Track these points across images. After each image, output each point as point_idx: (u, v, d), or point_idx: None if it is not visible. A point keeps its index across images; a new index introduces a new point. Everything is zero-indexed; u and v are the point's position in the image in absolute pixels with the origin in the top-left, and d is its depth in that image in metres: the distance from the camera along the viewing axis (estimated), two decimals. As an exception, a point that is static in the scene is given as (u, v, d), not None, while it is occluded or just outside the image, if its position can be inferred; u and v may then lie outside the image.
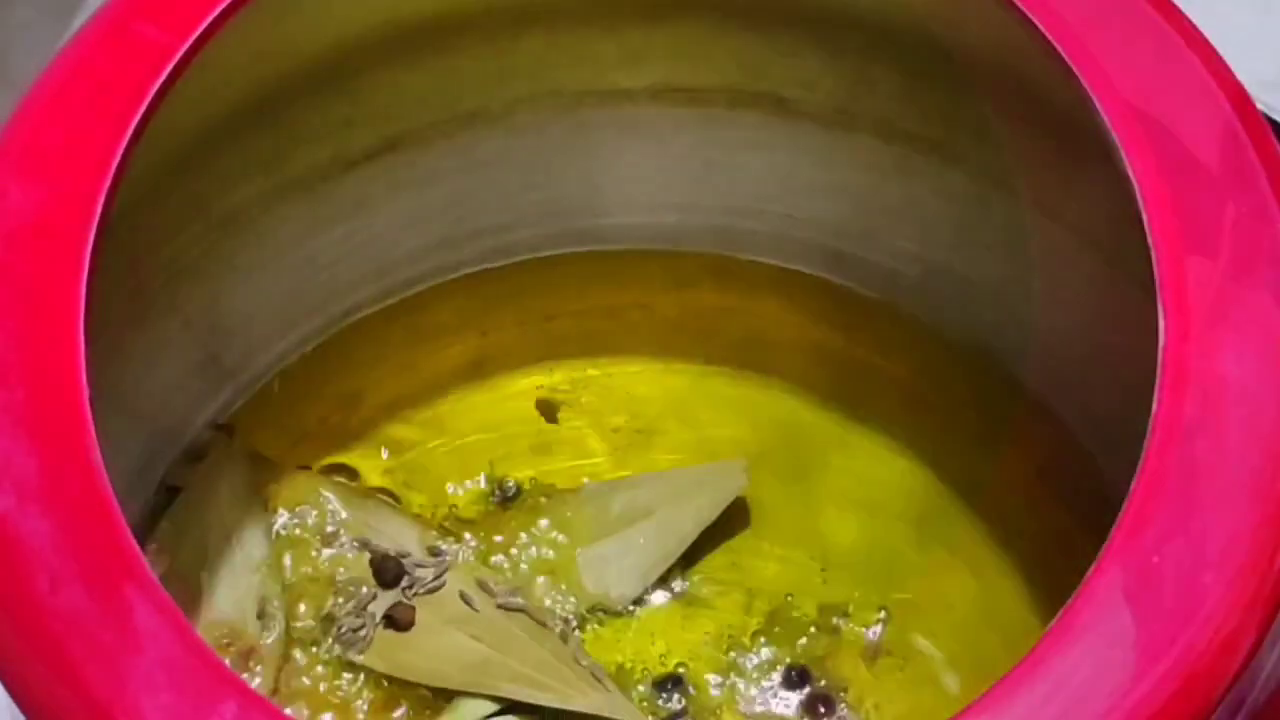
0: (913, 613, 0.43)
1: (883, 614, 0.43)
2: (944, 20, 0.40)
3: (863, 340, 0.47)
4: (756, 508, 0.45)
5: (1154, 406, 0.31)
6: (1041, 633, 0.29)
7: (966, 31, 0.40)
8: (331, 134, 0.44)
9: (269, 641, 0.42)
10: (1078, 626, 0.29)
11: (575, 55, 0.45)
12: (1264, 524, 0.30)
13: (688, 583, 0.44)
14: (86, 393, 0.32)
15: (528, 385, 0.48)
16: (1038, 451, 0.45)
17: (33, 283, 0.33)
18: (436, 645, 0.42)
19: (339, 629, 0.42)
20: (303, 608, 0.43)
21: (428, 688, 0.42)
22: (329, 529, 0.44)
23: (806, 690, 0.43)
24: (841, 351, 0.47)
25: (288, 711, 0.41)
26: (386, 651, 0.42)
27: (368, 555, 0.43)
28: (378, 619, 0.42)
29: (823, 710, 0.42)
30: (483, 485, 0.46)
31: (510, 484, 0.46)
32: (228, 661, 0.41)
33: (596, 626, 0.44)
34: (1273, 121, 0.35)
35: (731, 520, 0.45)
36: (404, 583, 0.43)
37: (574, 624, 0.43)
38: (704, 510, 0.44)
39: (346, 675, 0.42)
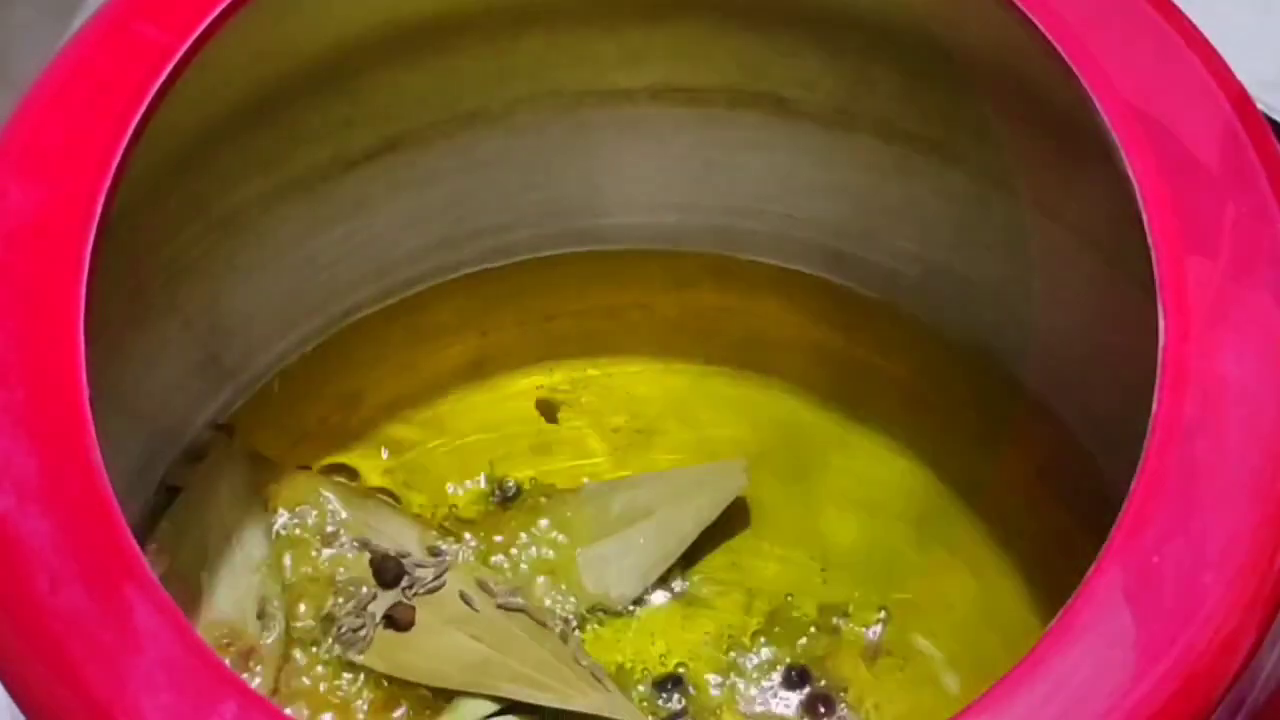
0: (913, 613, 0.43)
1: (883, 614, 0.43)
2: (944, 20, 0.40)
3: (863, 340, 0.47)
4: (756, 508, 0.45)
5: (1154, 406, 0.31)
6: (1041, 633, 0.29)
7: (966, 31, 0.40)
8: (331, 134, 0.44)
9: (269, 641, 0.42)
10: (1078, 626, 0.29)
11: (575, 55, 0.45)
12: (1264, 524, 0.30)
13: (688, 583, 0.44)
14: (86, 393, 0.32)
15: (528, 385, 0.48)
16: (1038, 451, 0.45)
17: (33, 283, 0.33)
18: (436, 645, 0.42)
19: (339, 629, 0.42)
20: (303, 608, 0.43)
21: (428, 688, 0.42)
22: (329, 529, 0.44)
23: (806, 690, 0.43)
24: (841, 351, 0.47)
25: (288, 711, 0.41)
26: (386, 651, 0.42)
27: (368, 555, 0.43)
28: (378, 619, 0.42)
29: (822, 710, 0.42)
30: (483, 485, 0.46)
31: (510, 484, 0.46)
32: (228, 661, 0.41)
33: (596, 626, 0.44)
34: (1273, 121, 0.35)
35: (731, 520, 0.45)
36: (404, 583, 0.43)
37: (574, 624, 0.43)
38: (704, 510, 0.44)
39: (346, 675, 0.42)
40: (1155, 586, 0.30)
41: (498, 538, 0.44)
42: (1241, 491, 0.30)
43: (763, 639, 0.43)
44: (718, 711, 0.42)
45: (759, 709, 0.42)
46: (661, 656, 0.43)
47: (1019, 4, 0.35)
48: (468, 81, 0.45)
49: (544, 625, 0.43)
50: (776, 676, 0.43)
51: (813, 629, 0.43)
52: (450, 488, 0.46)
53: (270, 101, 0.42)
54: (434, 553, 0.43)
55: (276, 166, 0.44)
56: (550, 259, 0.49)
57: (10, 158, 0.34)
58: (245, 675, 0.41)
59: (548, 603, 0.43)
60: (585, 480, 0.46)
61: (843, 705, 0.42)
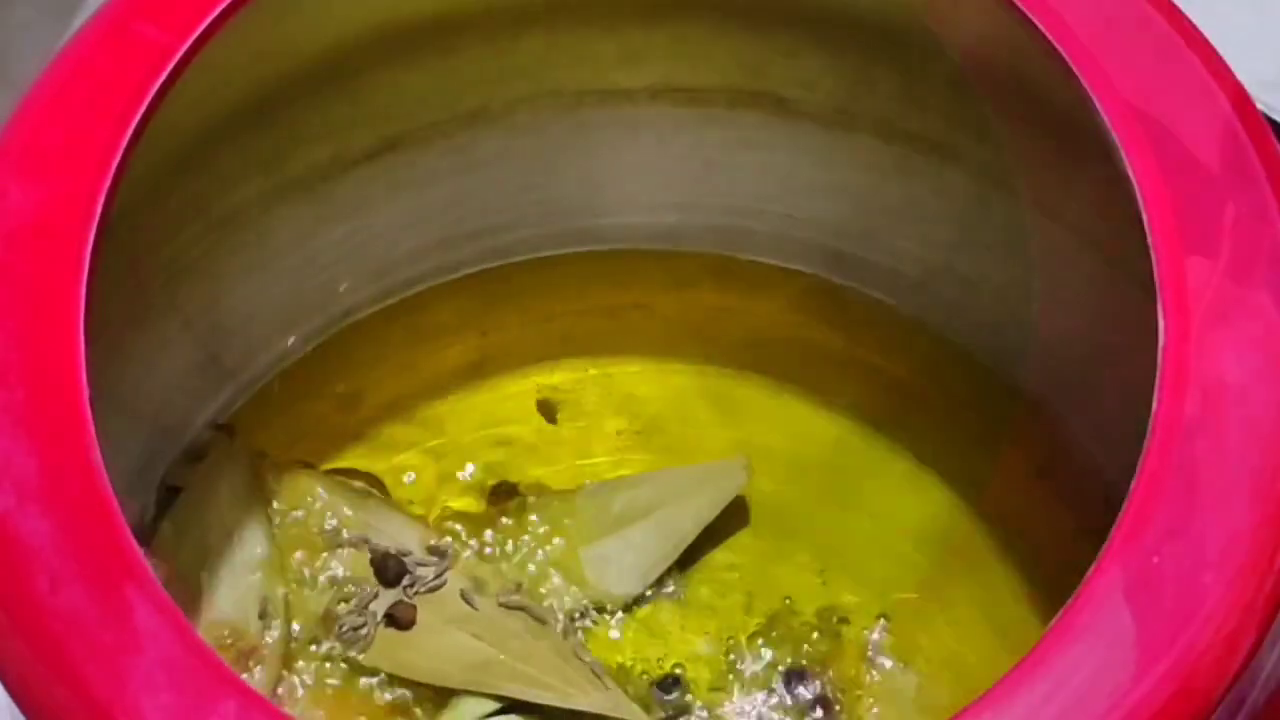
0: (913, 613, 0.43)
1: (882, 614, 0.43)
2: (944, 20, 0.40)
3: (863, 340, 0.47)
4: (756, 507, 0.45)
5: (1154, 406, 0.31)
6: (1041, 633, 0.29)
7: (966, 31, 0.40)
8: (331, 134, 0.44)
9: (270, 641, 0.42)
10: (1078, 626, 0.29)
11: (575, 55, 0.45)
12: (1264, 524, 0.30)
13: (687, 582, 0.44)
14: (86, 393, 0.32)
15: (528, 385, 0.48)
16: (1038, 451, 0.45)
17: (33, 283, 0.33)
18: (437, 644, 0.42)
19: (340, 628, 0.42)
20: (303, 606, 0.43)
21: (429, 686, 0.42)
22: (330, 528, 0.44)
23: (806, 691, 0.43)
24: (842, 352, 0.47)
25: (288, 711, 0.41)
26: (388, 650, 0.42)
27: (369, 554, 0.43)
28: (379, 618, 0.42)
29: (822, 711, 0.42)
30: (483, 485, 0.46)
31: (510, 484, 0.46)
32: (228, 661, 0.41)
33: (596, 626, 0.43)
34: (1273, 121, 0.35)
35: (731, 519, 0.45)
36: (405, 581, 0.43)
37: (574, 623, 0.43)
38: (704, 509, 0.44)
39: (347, 674, 0.42)
40: (1155, 586, 0.30)
41: (498, 537, 0.44)
42: (1241, 491, 0.30)
43: (762, 640, 0.43)
44: (717, 712, 0.42)
45: (758, 710, 0.42)
46: (660, 657, 0.43)
47: (1019, 4, 0.35)
48: (468, 81, 0.45)
49: (544, 624, 0.43)
50: (776, 677, 0.43)
51: (812, 629, 0.43)
52: (450, 487, 0.46)
53: (270, 101, 0.42)
54: (434, 552, 0.43)
55: (276, 166, 0.44)
56: (550, 259, 0.49)
57: (10, 158, 0.34)
58: (246, 675, 0.41)
59: (548, 602, 0.43)
60: (585, 480, 0.46)
61: (842, 706, 0.42)
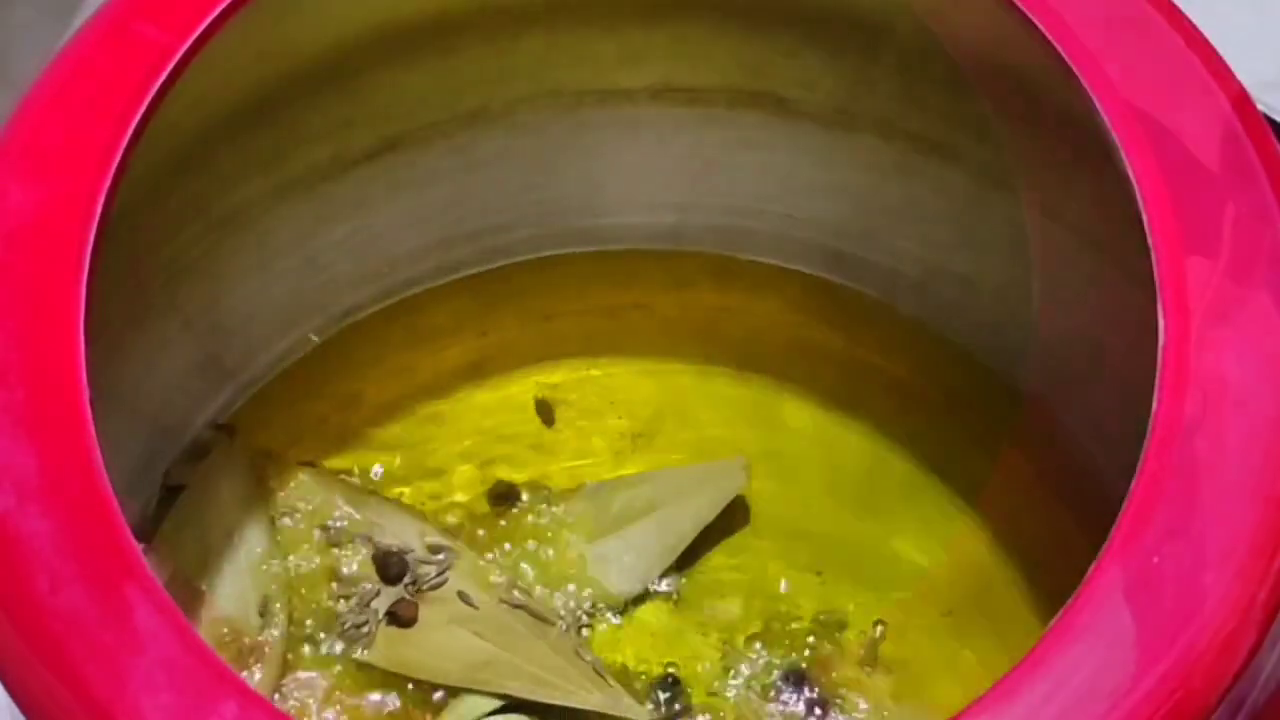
0: (913, 613, 0.43)
1: (881, 615, 0.43)
2: (944, 20, 0.40)
3: (863, 340, 0.47)
4: (756, 507, 0.45)
5: (1154, 406, 0.31)
6: (1041, 633, 0.29)
7: (966, 31, 0.40)
8: (331, 134, 0.44)
9: (271, 639, 0.42)
10: (1078, 626, 0.29)
11: (575, 55, 0.45)
12: (1264, 524, 0.30)
13: (686, 583, 0.44)
14: (86, 393, 0.32)
15: (528, 385, 0.48)
16: (1038, 451, 0.45)
17: (33, 283, 0.33)
18: (439, 642, 0.42)
19: (342, 625, 0.42)
20: (304, 605, 0.43)
21: (430, 684, 0.42)
22: (331, 526, 0.44)
23: (805, 691, 0.43)
24: (841, 351, 0.47)
25: (290, 709, 0.41)
26: (389, 648, 0.42)
27: (371, 552, 0.43)
28: (380, 615, 0.42)
29: (821, 711, 0.42)
30: (483, 485, 0.46)
31: (510, 484, 0.46)
32: (229, 659, 0.41)
33: (596, 626, 0.44)
34: (1273, 121, 0.35)
35: (731, 519, 0.45)
36: (407, 579, 0.43)
37: (574, 622, 0.43)
38: (703, 509, 0.44)
39: (349, 671, 0.42)
40: (1155, 586, 0.30)
41: (498, 536, 0.44)
42: (1241, 491, 0.30)
43: (761, 640, 0.43)
44: (716, 712, 0.42)
45: (757, 710, 0.42)
46: (660, 657, 0.43)
47: (1019, 4, 0.35)
48: (468, 81, 0.45)
49: (545, 622, 0.43)
50: (775, 677, 0.43)
51: (811, 629, 0.43)
52: (451, 487, 0.46)
53: (270, 101, 0.42)
54: (436, 550, 0.43)
55: (276, 166, 0.44)
56: (550, 259, 0.49)
57: (10, 158, 0.34)
58: (247, 673, 0.41)
59: (548, 601, 0.43)
60: (585, 480, 0.46)
61: (841, 706, 0.42)
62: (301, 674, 0.42)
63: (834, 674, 0.43)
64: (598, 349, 0.48)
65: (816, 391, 0.47)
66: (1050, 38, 0.35)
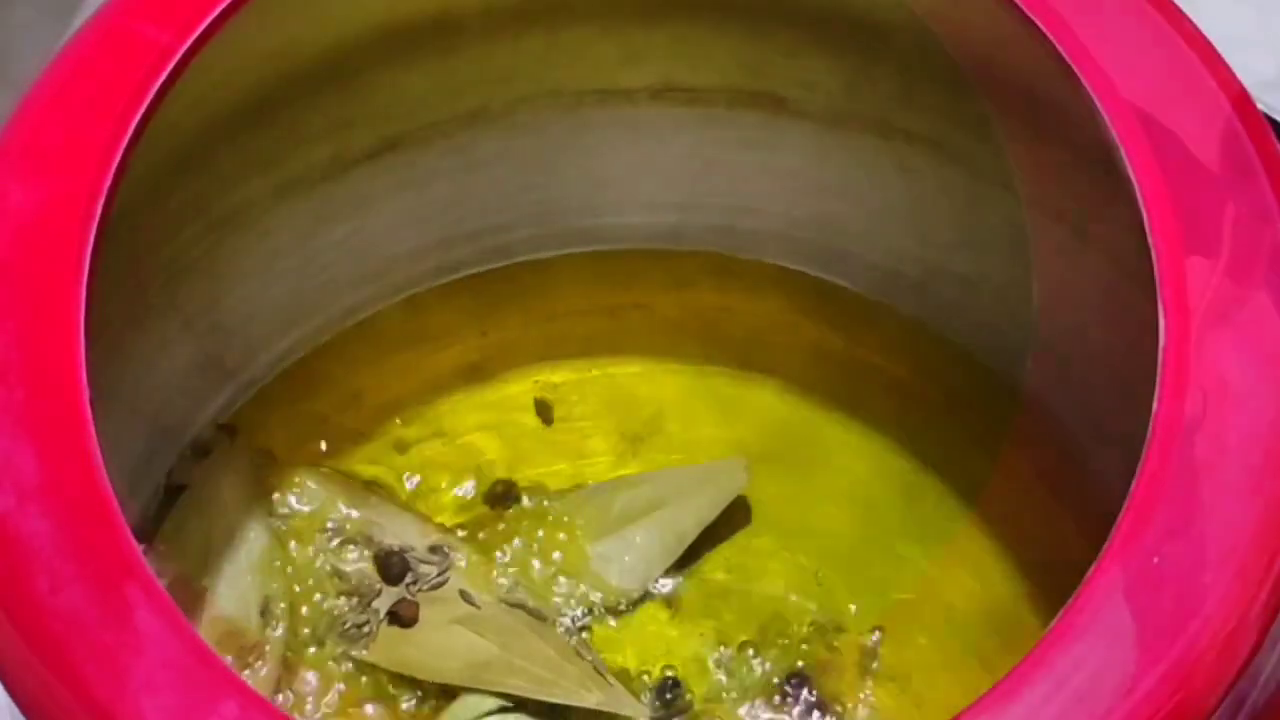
0: (913, 613, 0.43)
1: (882, 615, 0.43)
2: (944, 20, 0.40)
3: (863, 340, 0.47)
4: (757, 507, 0.45)
5: (1154, 406, 0.31)
6: (1041, 633, 0.29)
7: (966, 31, 0.40)
8: (331, 134, 0.44)
9: (272, 638, 0.42)
10: (1078, 626, 0.29)
11: (575, 55, 0.45)
12: (1264, 524, 0.30)
13: (687, 583, 0.44)
14: (86, 393, 0.32)
15: (528, 385, 0.48)
16: (1038, 451, 0.45)
17: (33, 283, 0.33)
18: (440, 641, 0.42)
19: (343, 625, 0.42)
20: (306, 604, 0.43)
21: (431, 683, 0.42)
22: (332, 525, 0.44)
23: (805, 692, 0.43)
24: (841, 351, 0.47)
25: (290, 709, 0.41)
26: (390, 647, 0.42)
27: (371, 551, 0.43)
28: (381, 615, 0.42)
29: (820, 713, 0.42)
30: (483, 485, 0.46)
31: (510, 484, 0.46)
32: (230, 659, 0.41)
33: (596, 626, 0.43)
34: (1273, 121, 0.35)
35: (732, 519, 0.45)
36: (408, 579, 0.43)
37: (575, 621, 0.43)
38: (704, 509, 0.44)
39: (350, 671, 0.42)
40: (1155, 586, 0.30)
41: (499, 536, 0.44)
42: (1241, 491, 0.30)
43: (761, 642, 0.43)
44: (715, 713, 0.42)
45: (757, 711, 0.42)
46: (660, 658, 0.43)
47: (1019, 4, 0.35)
48: (468, 81, 0.45)
49: (545, 622, 0.43)
50: (775, 678, 0.43)
51: (811, 632, 0.43)
52: (451, 487, 0.46)
53: (270, 101, 0.42)
54: (436, 550, 0.43)
55: (276, 166, 0.44)
56: (550, 259, 0.49)
57: (10, 158, 0.34)
58: (248, 672, 0.41)
59: (548, 601, 0.43)
60: (585, 480, 0.46)
61: (841, 706, 0.42)
62: (302, 674, 0.42)
63: (834, 675, 0.43)
64: (598, 349, 0.48)
65: (816, 391, 0.47)
66: (1050, 38, 0.35)
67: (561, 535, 0.44)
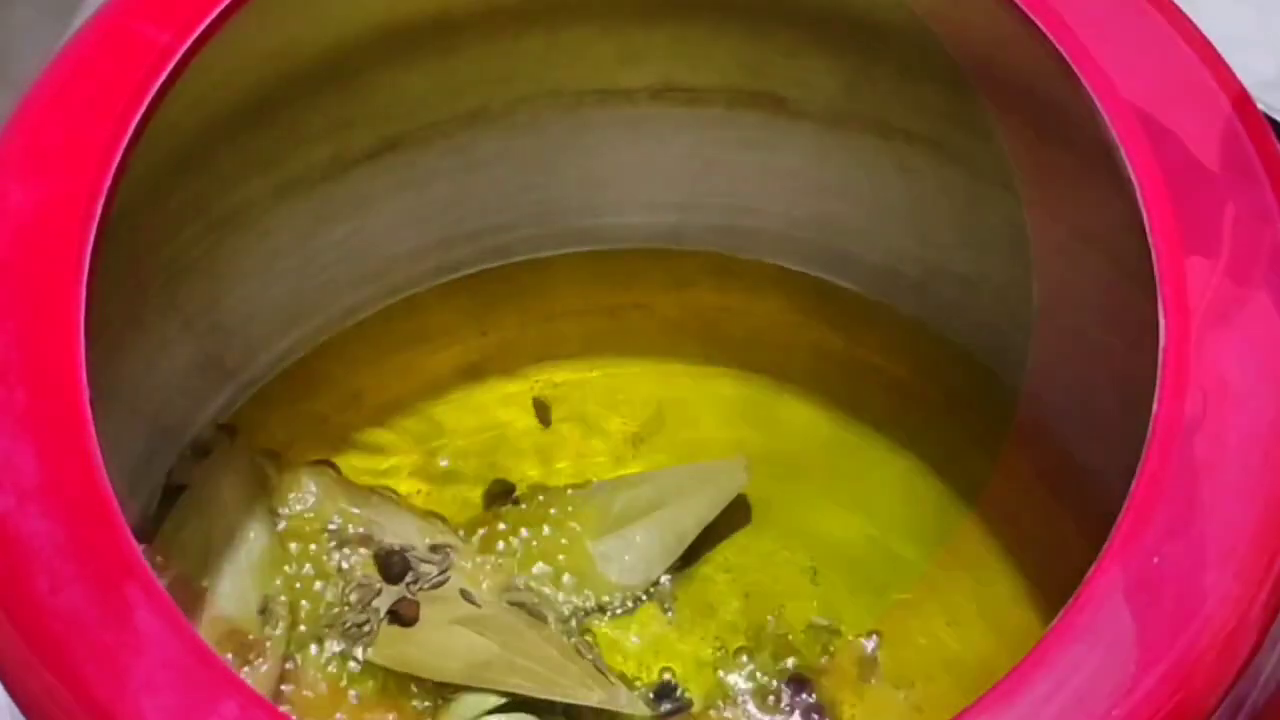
0: (912, 614, 0.43)
1: (882, 615, 0.43)
2: (944, 20, 0.40)
3: (863, 340, 0.47)
4: (757, 507, 0.45)
5: (1154, 406, 0.31)
6: (1041, 633, 0.29)
7: (966, 31, 0.40)
8: (331, 134, 0.44)
9: (273, 637, 0.42)
10: (1078, 626, 0.29)
11: (575, 55, 0.45)
12: (1264, 524, 0.30)
13: (687, 582, 0.44)
14: (86, 393, 0.32)
15: (528, 385, 0.48)
16: (1038, 452, 0.45)
17: (33, 283, 0.33)
18: (441, 640, 0.42)
19: (343, 624, 0.42)
20: (306, 603, 0.43)
21: (432, 682, 0.42)
22: (333, 525, 0.44)
23: (804, 692, 0.43)
24: (841, 351, 0.47)
25: (291, 709, 0.41)
26: (390, 646, 0.42)
27: (372, 550, 0.43)
28: (382, 614, 0.42)
29: (819, 714, 0.42)
30: (483, 485, 0.46)
31: (510, 484, 0.46)
32: (231, 658, 0.41)
33: (596, 625, 0.44)
34: (1273, 121, 0.35)
35: (732, 519, 0.45)
36: (409, 578, 0.43)
37: (575, 621, 0.43)
38: (704, 509, 0.44)
39: (351, 670, 0.42)
40: (1155, 586, 0.30)
41: (498, 536, 0.44)
42: (1241, 491, 0.30)
43: (760, 642, 0.43)
44: (715, 714, 0.42)
45: (757, 711, 0.42)
46: (659, 658, 0.43)
47: (1019, 4, 0.35)
48: (468, 81, 0.45)
49: (546, 621, 0.43)
50: (774, 680, 0.43)
51: (811, 632, 0.43)
52: (451, 487, 0.46)
53: (270, 101, 0.42)
54: (437, 549, 0.43)
55: (276, 166, 0.44)
56: (550, 259, 0.49)
57: (10, 158, 0.34)
58: (248, 671, 0.41)
59: (548, 600, 0.43)
60: (585, 480, 0.46)
61: (841, 707, 0.42)
62: (303, 673, 0.42)
63: (833, 675, 0.43)
64: (598, 349, 0.48)
65: (816, 391, 0.47)
66: (1050, 38, 0.35)
67: (562, 535, 0.44)
